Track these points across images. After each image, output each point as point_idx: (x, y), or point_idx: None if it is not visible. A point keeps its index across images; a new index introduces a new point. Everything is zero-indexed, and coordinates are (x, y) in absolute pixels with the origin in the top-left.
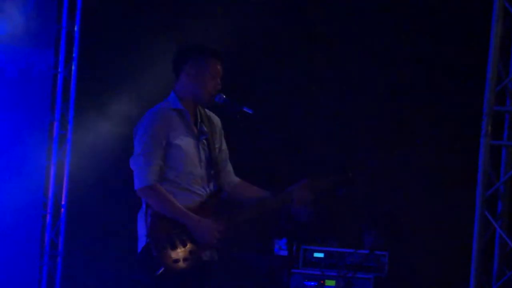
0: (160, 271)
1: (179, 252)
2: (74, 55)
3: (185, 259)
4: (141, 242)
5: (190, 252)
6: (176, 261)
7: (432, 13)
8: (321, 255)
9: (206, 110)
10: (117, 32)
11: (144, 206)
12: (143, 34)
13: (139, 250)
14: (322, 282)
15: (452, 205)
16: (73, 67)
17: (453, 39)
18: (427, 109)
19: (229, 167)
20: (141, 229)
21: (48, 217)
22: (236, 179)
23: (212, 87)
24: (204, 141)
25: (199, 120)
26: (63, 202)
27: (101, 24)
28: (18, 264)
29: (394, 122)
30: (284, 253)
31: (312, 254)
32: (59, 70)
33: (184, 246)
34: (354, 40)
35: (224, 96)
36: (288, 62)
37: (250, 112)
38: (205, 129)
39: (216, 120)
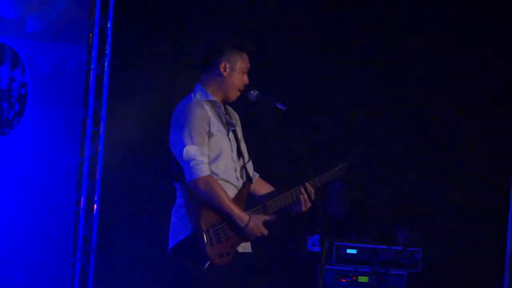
0: (207, 265)
1: (223, 246)
2: (106, 51)
3: (228, 253)
4: (179, 235)
5: (232, 246)
6: (221, 255)
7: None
8: (354, 251)
9: (225, 104)
10: (149, 28)
11: (182, 200)
12: (176, 30)
13: (174, 243)
14: (355, 278)
15: (487, 201)
16: (105, 64)
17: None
18: (460, 104)
19: (250, 161)
20: (179, 223)
21: (81, 213)
22: (256, 174)
23: (242, 83)
24: (232, 132)
25: (224, 113)
26: (95, 198)
27: (133, 20)
28: (52, 260)
29: (429, 118)
30: (317, 249)
31: (345, 251)
32: (92, 66)
33: (228, 239)
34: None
35: (257, 92)
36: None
37: (284, 108)
38: (231, 120)
39: (235, 113)
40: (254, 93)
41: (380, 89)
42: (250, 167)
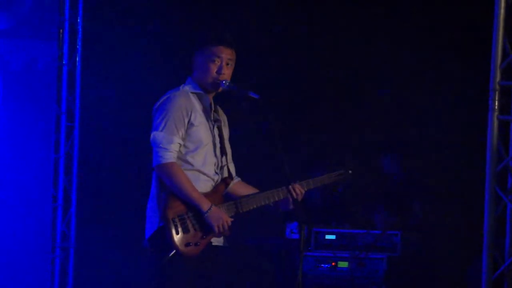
0: (172, 253)
1: (191, 236)
2: (78, 47)
3: (196, 244)
4: (152, 227)
5: (202, 237)
6: (188, 245)
7: None
8: (332, 237)
9: (217, 105)
10: (120, 22)
11: (155, 190)
12: (148, 24)
13: (149, 234)
14: (334, 264)
15: (462, 182)
16: (77, 59)
17: (457, 15)
18: (433, 88)
19: (233, 163)
20: (152, 214)
21: (58, 210)
22: (238, 178)
23: (215, 73)
24: (217, 128)
25: (213, 109)
26: (73, 194)
27: (103, 14)
28: (30, 257)
29: (399, 101)
30: (296, 236)
31: (324, 237)
32: (64, 62)
33: (196, 230)
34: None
35: (229, 82)
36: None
37: (256, 97)
38: (218, 117)
39: (225, 116)
40: (226, 82)
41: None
42: (232, 167)
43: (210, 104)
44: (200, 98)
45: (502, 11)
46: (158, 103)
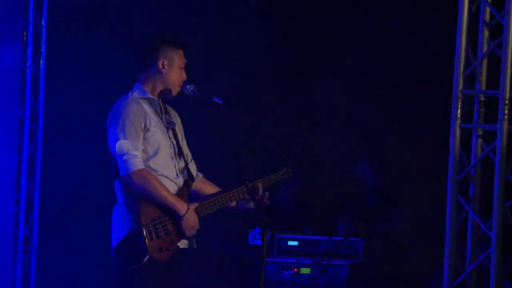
0: (145, 259)
1: (163, 241)
2: (42, 49)
3: (167, 248)
4: (121, 233)
5: (172, 241)
6: (161, 250)
7: None
8: (295, 243)
9: (167, 105)
10: (85, 25)
11: (122, 197)
12: (114, 27)
13: (116, 242)
14: (296, 270)
15: (424, 189)
16: (41, 62)
17: (421, 21)
18: (397, 95)
19: (193, 161)
20: (119, 221)
21: (21, 213)
22: (200, 174)
23: (180, 79)
24: (171, 131)
25: (163, 111)
26: (35, 198)
27: (68, 17)
28: None
29: (364, 105)
30: (258, 242)
31: (287, 243)
32: (28, 64)
33: (167, 235)
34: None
35: (194, 86)
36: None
37: (220, 102)
38: (170, 119)
39: (176, 114)
40: (190, 87)
41: (317, 84)
42: (193, 167)
43: (160, 108)
44: (150, 102)
45: (465, 17)
46: (111, 114)
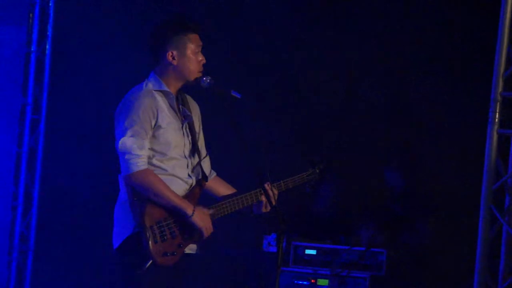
0: (148, 264)
1: (169, 245)
2: (48, 33)
3: (173, 253)
4: (123, 233)
5: (179, 245)
6: (165, 254)
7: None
8: (313, 252)
9: (186, 95)
10: (95, 8)
11: (125, 195)
12: (125, 11)
13: (118, 242)
14: (313, 281)
15: (456, 199)
16: (47, 46)
17: (461, 23)
18: (431, 97)
19: (208, 157)
20: (121, 221)
21: (18, 209)
22: (213, 172)
23: (197, 65)
24: (187, 125)
25: (181, 104)
26: (34, 193)
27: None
28: None
29: (394, 110)
30: (273, 249)
31: (304, 251)
32: (32, 49)
33: (173, 238)
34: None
35: (210, 79)
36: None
37: (239, 96)
38: (188, 112)
39: (195, 105)
40: (207, 79)
41: (347, 87)
42: (206, 164)
43: (177, 100)
44: (165, 96)
45: (508, 17)
46: (121, 105)
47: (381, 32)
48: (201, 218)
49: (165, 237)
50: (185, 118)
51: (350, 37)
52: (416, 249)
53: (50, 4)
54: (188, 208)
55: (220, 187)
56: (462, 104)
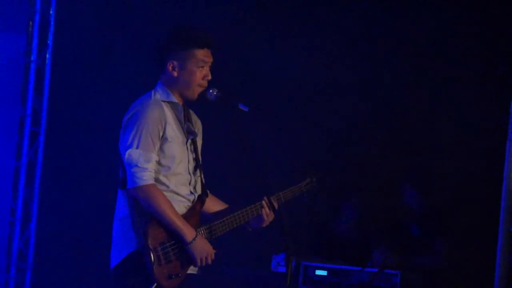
0: (153, 287)
1: (173, 267)
2: (49, 42)
3: (178, 275)
4: (122, 251)
5: (182, 266)
6: (170, 277)
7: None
8: (324, 272)
9: (190, 109)
10: (97, 17)
11: (125, 211)
12: (126, 19)
13: (117, 261)
14: None
15: (475, 221)
16: (47, 56)
17: (479, 38)
18: (450, 111)
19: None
20: (120, 239)
21: (16, 225)
22: (207, 191)
23: (197, 80)
24: (191, 141)
25: (187, 119)
26: (33, 208)
27: (79, 7)
28: None
29: (413, 130)
30: (282, 269)
31: (314, 272)
32: (32, 58)
33: (178, 259)
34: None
35: (217, 91)
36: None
37: (246, 109)
38: (192, 129)
39: (199, 121)
40: (213, 92)
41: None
42: (203, 182)
43: (184, 114)
44: (174, 108)
45: None
46: (129, 115)
47: (398, 43)
48: (200, 247)
49: (169, 259)
50: (190, 134)
51: (360, 50)
52: (432, 271)
53: (51, 12)
54: (189, 235)
55: (213, 205)
56: (482, 122)
